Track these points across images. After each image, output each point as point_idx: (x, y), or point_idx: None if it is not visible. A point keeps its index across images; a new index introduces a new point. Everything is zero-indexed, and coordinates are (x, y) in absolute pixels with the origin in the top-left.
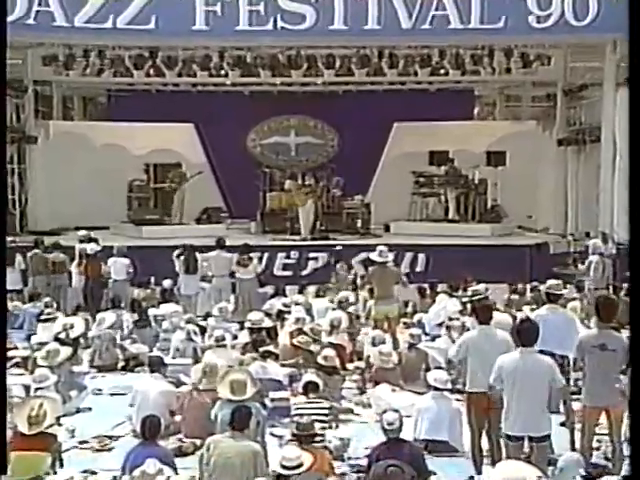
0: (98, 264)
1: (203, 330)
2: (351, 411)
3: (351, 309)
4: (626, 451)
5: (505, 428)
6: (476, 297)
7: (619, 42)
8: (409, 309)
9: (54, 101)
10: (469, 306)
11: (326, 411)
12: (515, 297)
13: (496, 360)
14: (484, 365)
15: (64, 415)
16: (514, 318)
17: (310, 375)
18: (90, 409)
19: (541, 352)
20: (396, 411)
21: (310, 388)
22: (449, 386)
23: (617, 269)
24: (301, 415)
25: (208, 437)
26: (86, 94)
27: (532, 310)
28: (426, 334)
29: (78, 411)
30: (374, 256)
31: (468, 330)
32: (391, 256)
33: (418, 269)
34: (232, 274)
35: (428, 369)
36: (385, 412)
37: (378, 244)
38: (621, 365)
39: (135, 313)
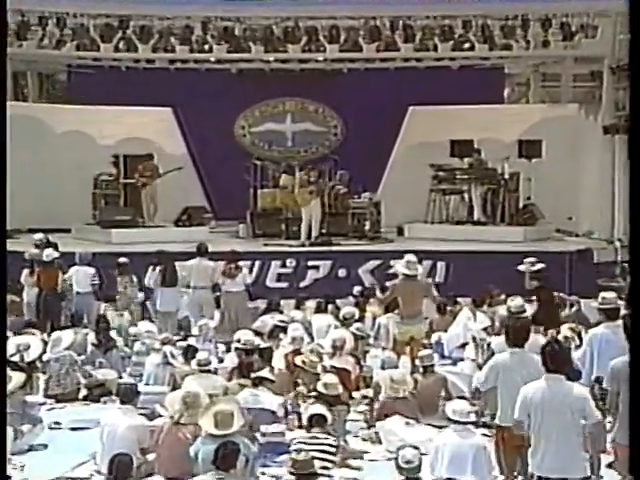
0: (55, 273)
1: (182, 352)
2: (361, 456)
3: (356, 327)
4: None
5: (532, 468)
6: (517, 314)
7: None
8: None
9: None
10: (497, 324)
11: (332, 449)
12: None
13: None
14: (517, 395)
15: (15, 453)
16: (553, 339)
17: (318, 407)
18: (46, 446)
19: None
20: (415, 448)
21: (315, 421)
22: (472, 418)
23: None
24: (298, 451)
25: (188, 478)
26: (43, 70)
27: (572, 329)
28: (445, 357)
29: (31, 448)
30: (400, 268)
31: (493, 353)
32: (421, 268)
33: (437, 280)
34: (215, 286)
35: (449, 398)
36: (402, 448)
37: (389, 250)
38: None
39: (101, 332)
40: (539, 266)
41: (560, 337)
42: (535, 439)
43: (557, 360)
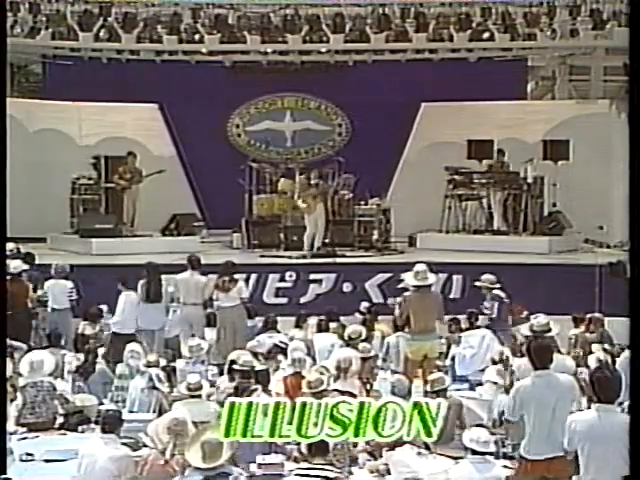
0: (24, 287)
1: (166, 375)
2: None
3: (363, 347)
4: None
5: None
6: (540, 333)
7: None
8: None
9: None
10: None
11: None
12: (581, 333)
13: (560, 413)
14: (545, 423)
15: None
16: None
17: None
18: None
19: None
20: None
21: (317, 449)
22: (492, 448)
23: None
24: None
25: None
26: (15, 61)
27: (605, 350)
28: (462, 380)
29: None
30: (409, 279)
31: (516, 375)
32: (432, 277)
33: (452, 295)
34: (206, 302)
35: (465, 426)
36: None
37: (400, 262)
38: None
39: (80, 353)
40: None
41: (592, 359)
42: (586, 474)
43: (608, 388)
